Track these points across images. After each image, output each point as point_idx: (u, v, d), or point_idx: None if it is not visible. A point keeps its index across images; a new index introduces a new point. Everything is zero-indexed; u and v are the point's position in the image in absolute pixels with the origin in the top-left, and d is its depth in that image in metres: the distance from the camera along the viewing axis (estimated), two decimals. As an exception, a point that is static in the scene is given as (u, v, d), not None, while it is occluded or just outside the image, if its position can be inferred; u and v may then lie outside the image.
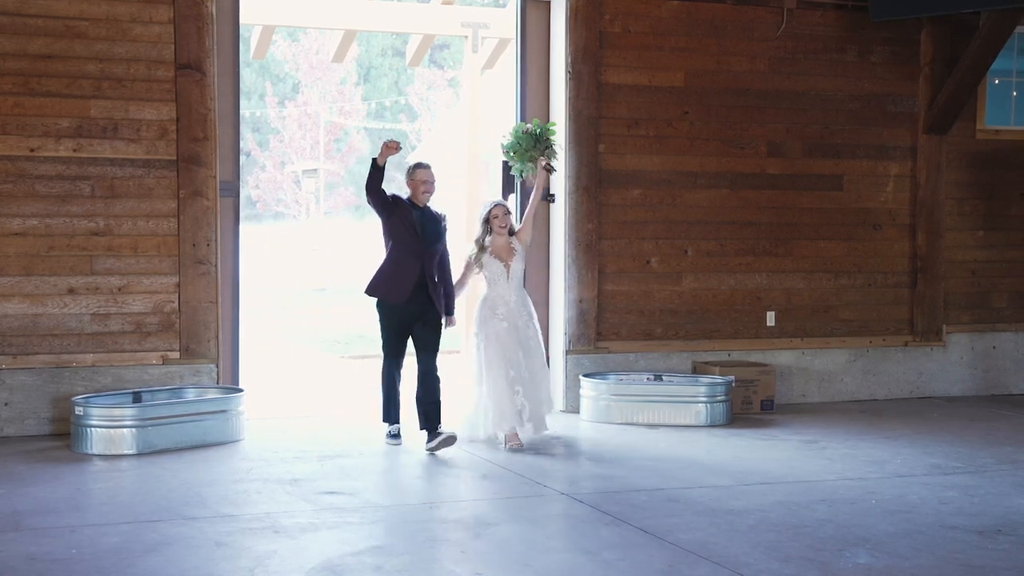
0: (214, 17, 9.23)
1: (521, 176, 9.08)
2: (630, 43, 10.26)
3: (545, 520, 6.77)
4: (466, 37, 13.32)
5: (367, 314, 19.79)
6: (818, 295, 10.87)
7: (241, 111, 9.94)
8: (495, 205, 8.86)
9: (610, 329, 10.31)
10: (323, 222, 33.16)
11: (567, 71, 10.05)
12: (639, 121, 10.30)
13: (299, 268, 27.08)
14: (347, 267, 29.29)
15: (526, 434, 8.71)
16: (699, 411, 9.59)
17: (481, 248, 8.80)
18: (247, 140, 37.33)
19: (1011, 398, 11.19)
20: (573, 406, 10.02)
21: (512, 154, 8.99)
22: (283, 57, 39.29)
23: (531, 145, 8.87)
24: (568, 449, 8.98)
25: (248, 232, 25.08)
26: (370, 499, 7.09)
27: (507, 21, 11.90)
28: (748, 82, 10.59)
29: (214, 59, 9.23)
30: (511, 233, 8.83)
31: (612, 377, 9.98)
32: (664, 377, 10.03)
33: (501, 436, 8.68)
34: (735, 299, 10.63)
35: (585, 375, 9.94)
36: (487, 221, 8.83)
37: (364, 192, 8.46)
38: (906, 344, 11.09)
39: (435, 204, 8.82)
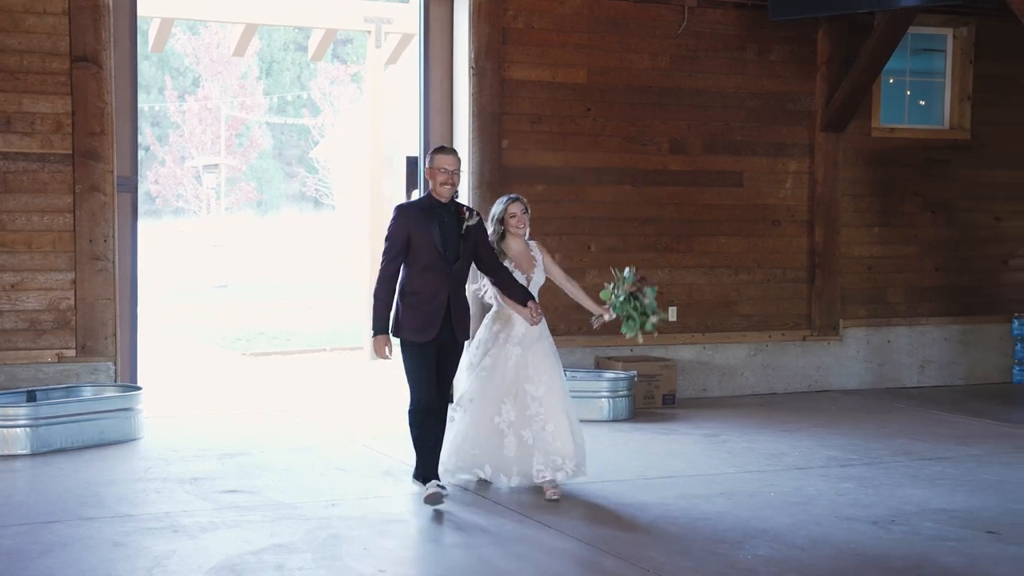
0: (110, 9, 9.05)
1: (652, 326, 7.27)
2: (533, 39, 10.29)
3: (449, 516, 6.75)
4: (369, 32, 13.27)
5: (269, 310, 19.49)
6: (719, 290, 11.00)
7: (139, 105, 9.77)
8: (511, 201, 7.31)
9: (514, 325, 10.30)
10: (224, 218, 32.77)
11: (470, 67, 10.05)
12: (542, 117, 10.33)
13: (200, 264, 26.73)
14: (249, 263, 28.97)
15: (531, 480, 7.16)
16: (602, 406, 9.65)
17: (500, 253, 7.25)
18: (146, 134, 36.73)
19: (905, 391, 11.44)
20: (477, 402, 10.01)
21: (630, 324, 7.23)
22: (183, 51, 38.74)
23: (635, 309, 7.17)
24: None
25: (147, 228, 24.73)
26: (271, 497, 7.01)
27: (410, 16, 11.87)
28: (650, 79, 10.68)
29: (111, 52, 9.05)
30: (528, 236, 7.38)
31: (516, 373, 9.97)
32: (568, 372, 10.05)
33: (474, 476, 7.32)
34: (637, 295, 10.69)
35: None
36: (501, 221, 7.29)
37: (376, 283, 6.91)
38: (804, 339, 11.28)
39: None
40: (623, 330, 7.17)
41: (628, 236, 10.67)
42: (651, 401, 10.21)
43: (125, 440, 8.53)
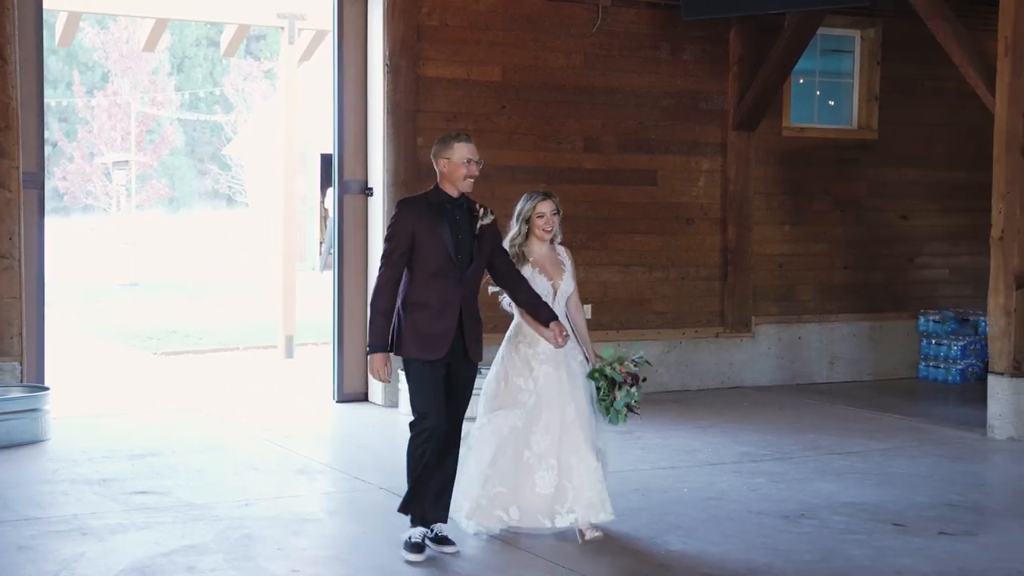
0: (15, 2, 8.86)
1: (614, 422, 6.29)
2: (448, 37, 10.27)
3: (363, 515, 6.73)
4: (282, 28, 13.16)
5: (181, 309, 19.23)
6: (633, 288, 11.08)
7: (46, 100, 9.58)
8: (542, 199, 6.33)
9: (429, 323, 10.28)
10: (135, 215, 32.28)
11: (385, 64, 10.00)
12: (457, 115, 10.32)
13: (109, 262, 26.32)
14: (160, 261, 28.56)
15: (559, 524, 6.19)
16: (517, 403, 9.63)
17: (521, 256, 6.32)
18: (53, 130, 36.04)
19: (815, 387, 11.61)
20: (392, 400, 9.98)
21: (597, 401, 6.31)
22: (91, 45, 38.07)
23: (610, 389, 6.22)
24: (387, 443, 8.94)
25: (55, 225, 24.27)
26: (183, 498, 6.92)
27: (324, 13, 11.79)
28: (565, 78, 10.72)
29: (15, 45, 8.86)
30: (552, 240, 6.43)
31: (431, 371, 9.94)
32: (483, 370, 10.02)
33: (492, 526, 6.21)
34: (552, 292, 10.73)
35: (403, 369, 9.88)
36: (527, 220, 6.33)
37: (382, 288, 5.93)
38: (717, 336, 11.40)
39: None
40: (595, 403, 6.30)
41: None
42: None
43: (32, 441, 8.36)
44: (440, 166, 5.90)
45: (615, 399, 6.15)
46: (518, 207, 6.36)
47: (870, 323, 12.07)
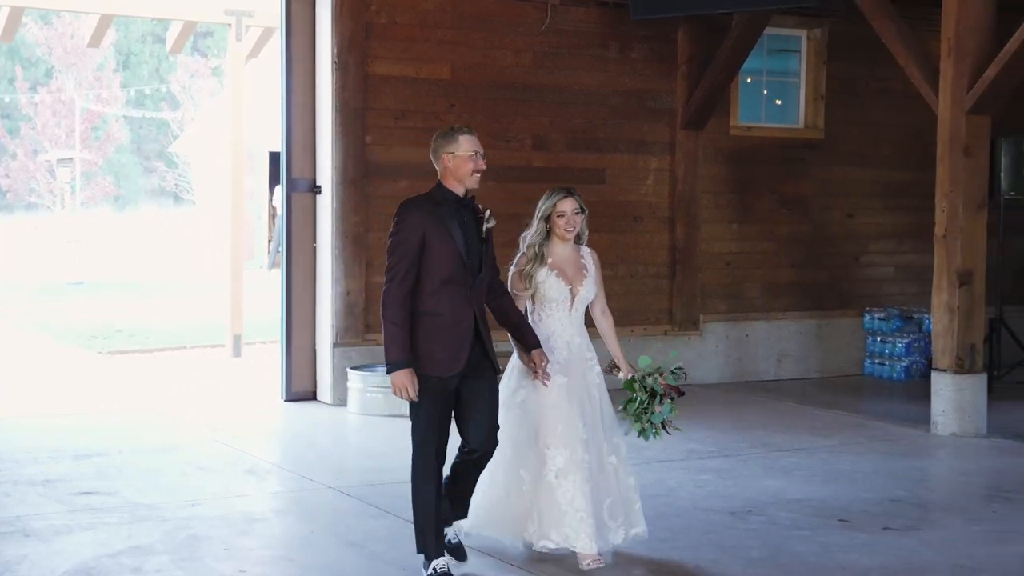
0: (-43, -4, 8.74)
1: (646, 438, 5.87)
2: (397, 35, 10.24)
3: (312, 514, 6.70)
4: (230, 25, 13.06)
5: (127, 307, 19.04)
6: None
7: (-12, 95, 9.44)
8: (563, 196, 5.88)
9: (378, 321, 10.23)
10: (80, 213, 31.94)
11: (333, 62, 9.95)
12: (406, 113, 10.29)
13: (54, 261, 26.02)
14: (106, 259, 28.27)
15: (613, 541, 5.80)
16: (467, 402, 9.63)
17: (539, 258, 5.87)
18: (-4, 127, 35.58)
19: (762, 384, 11.70)
20: (340, 399, 9.94)
21: (627, 412, 5.89)
22: (35, 40, 37.62)
23: (649, 402, 5.82)
24: (336, 442, 8.92)
25: (-2, 223, 23.94)
26: (129, 498, 6.86)
27: (272, 10, 11.71)
28: (514, 76, 10.72)
29: (-43, 40, 8.74)
30: (577, 240, 5.96)
31: (380, 369, 9.93)
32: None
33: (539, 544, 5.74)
34: (502, 290, 10.73)
35: (353, 367, 9.88)
36: (547, 219, 5.87)
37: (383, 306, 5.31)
38: (665, 333, 11.45)
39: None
40: (619, 408, 5.92)
41: (493, 232, 10.67)
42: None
43: (-26, 442, 8.26)
44: (444, 162, 5.44)
45: (653, 413, 5.74)
46: (540, 205, 5.89)
47: (817, 321, 12.18)
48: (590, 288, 5.94)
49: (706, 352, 11.63)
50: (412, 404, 5.32)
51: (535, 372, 5.64)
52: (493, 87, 10.62)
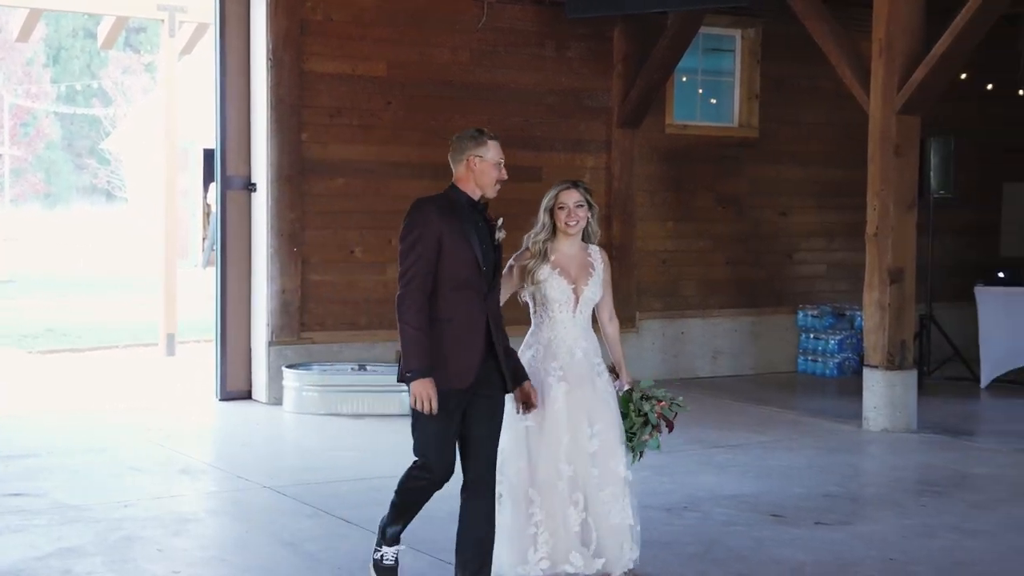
0: None
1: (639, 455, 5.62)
2: (332, 32, 10.18)
3: (246, 514, 6.65)
4: (163, 21, 12.92)
5: (58, 306, 18.75)
6: (518, 284, 11.09)
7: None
8: (567, 187, 5.49)
9: (314, 320, 10.22)
10: (9, 210, 31.45)
11: (268, 59, 9.88)
12: (342, 110, 10.24)
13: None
14: (36, 257, 27.86)
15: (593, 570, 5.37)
16: (403, 400, 9.46)
17: (543, 254, 5.48)
18: (-77, 122, 34.90)
19: (698, 381, 11.77)
20: (276, 398, 9.88)
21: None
22: (-37, 35, 36.96)
23: (641, 426, 5.54)
24: (271, 442, 8.86)
25: (-75, 221, 23.47)
26: (59, 500, 6.76)
27: (205, 5, 11.60)
28: (450, 74, 10.71)
29: None
30: (587, 239, 5.55)
31: (316, 368, 9.90)
32: (368, 367, 10.02)
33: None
34: (438, 288, 10.71)
35: (288, 366, 9.81)
36: (551, 213, 5.49)
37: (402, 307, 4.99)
38: (602, 331, 11.48)
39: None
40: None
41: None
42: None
43: (-100, 444, 8.10)
44: (470, 164, 5.11)
45: (640, 441, 5.47)
46: (544, 199, 5.52)
47: (751, 318, 12.29)
48: (596, 289, 5.48)
49: (642, 349, 11.69)
50: (417, 420, 4.99)
51: (516, 406, 5.21)
52: (430, 84, 10.60)
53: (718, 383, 11.66)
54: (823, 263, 12.74)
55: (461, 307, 4.97)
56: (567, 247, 5.46)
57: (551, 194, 5.47)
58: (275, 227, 9.97)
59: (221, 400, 10.07)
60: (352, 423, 9.29)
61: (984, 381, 11.28)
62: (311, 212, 10.14)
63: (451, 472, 5.04)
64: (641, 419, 5.47)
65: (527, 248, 5.49)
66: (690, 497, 7.07)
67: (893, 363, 9.15)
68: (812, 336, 12.25)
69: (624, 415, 5.47)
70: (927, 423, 9.29)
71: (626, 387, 5.52)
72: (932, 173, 11.17)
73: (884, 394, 9.16)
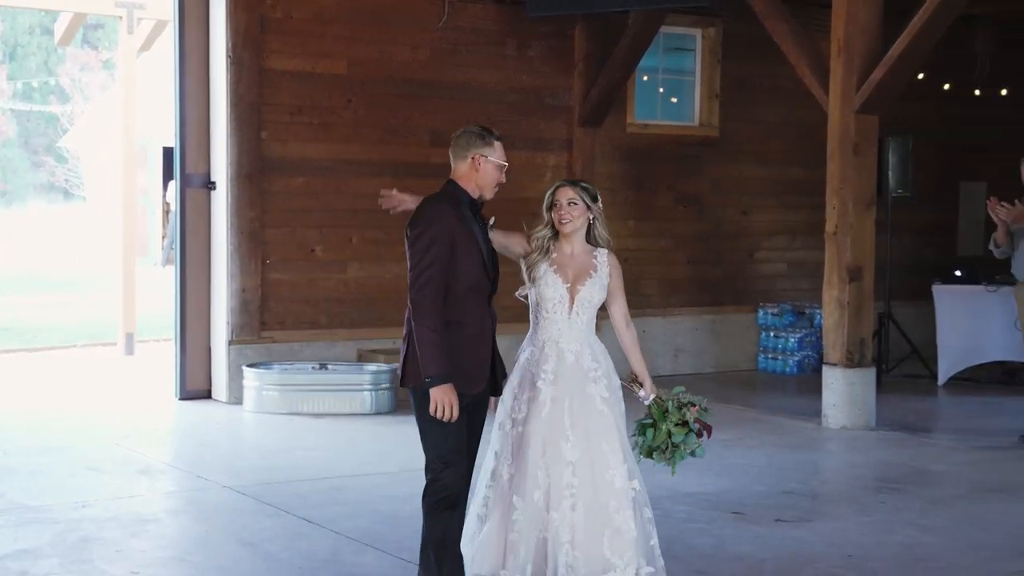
0: None
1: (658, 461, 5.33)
2: (292, 29, 10.14)
3: (206, 514, 6.61)
4: (121, 17, 12.84)
5: (14, 305, 18.55)
6: (480, 283, 11.08)
7: None
8: (561, 185, 5.29)
9: (274, 318, 10.17)
10: (-35, 209, 31.12)
11: (228, 56, 9.82)
12: (302, 108, 10.20)
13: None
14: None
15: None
16: (364, 399, 9.61)
17: (544, 251, 5.26)
18: None
19: (659, 379, 11.55)
20: (236, 397, 9.82)
21: (643, 436, 5.27)
22: (-83, 31, 36.56)
23: (676, 435, 5.23)
24: (231, 441, 8.81)
25: None
26: (16, 500, 6.70)
27: (164, 2, 11.52)
28: (411, 72, 10.68)
29: None
30: (593, 242, 5.32)
31: (276, 367, 9.85)
32: (329, 366, 9.99)
33: None
34: (400, 287, 10.58)
35: (248, 365, 9.76)
36: (550, 211, 5.26)
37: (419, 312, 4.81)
38: (563, 329, 11.48)
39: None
40: (636, 432, 5.27)
41: (390, 228, 10.63)
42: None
43: None
44: (474, 164, 4.97)
45: (678, 448, 5.19)
46: (547, 196, 5.31)
47: (712, 316, 12.34)
48: (594, 291, 5.22)
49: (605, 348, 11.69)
50: (428, 425, 4.79)
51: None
52: (390, 82, 10.58)
53: (679, 381, 11.55)
54: (784, 262, 12.81)
55: (475, 310, 4.91)
56: (567, 247, 5.23)
57: (549, 191, 5.27)
58: (235, 225, 9.91)
59: (181, 399, 10.00)
60: (313, 422, 9.26)
61: (941, 379, 11.37)
62: (271, 210, 10.10)
63: (469, 479, 4.92)
64: (682, 428, 5.18)
65: (536, 236, 5.27)
66: (651, 495, 7.05)
67: (852, 361, 9.22)
68: (772, 334, 12.32)
69: (651, 425, 5.19)
70: (885, 420, 9.36)
71: (652, 396, 5.24)
72: (890, 172, 11.26)
73: (843, 392, 9.22)
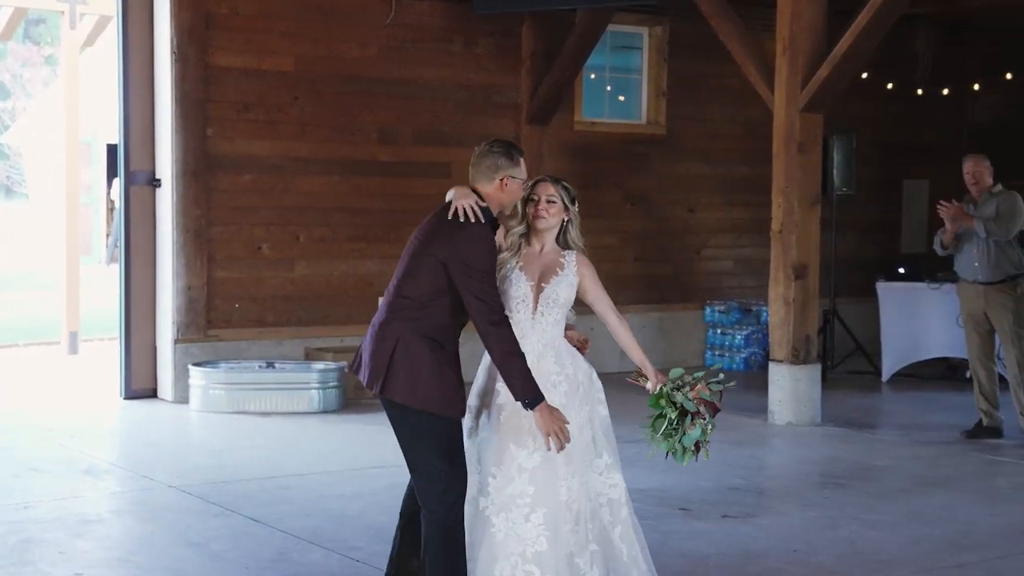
0: None
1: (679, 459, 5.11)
2: (238, 25, 10.07)
3: (152, 514, 6.56)
4: (63, 12, 12.69)
5: (-44, 305, 18.17)
6: (428, 280, 11.06)
7: None
8: (542, 179, 5.06)
9: (220, 317, 10.10)
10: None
11: (172, 52, 9.73)
12: (249, 105, 10.13)
13: None
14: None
15: None
16: (312, 397, 9.56)
17: (516, 249, 5.00)
18: None
19: (607, 377, 11.64)
20: (182, 396, 9.74)
21: (654, 431, 5.15)
22: None
23: (680, 420, 5.08)
24: (177, 440, 8.74)
25: None
26: (-43, 502, 6.61)
27: (108, -3, 11.40)
28: (359, 69, 10.64)
29: None
30: (561, 241, 5.09)
31: (223, 365, 9.78)
32: (276, 364, 9.93)
33: None
34: (347, 285, 10.68)
35: (194, 364, 9.69)
36: (525, 205, 5.01)
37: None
38: (511, 327, 11.49)
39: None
40: (643, 426, 5.16)
41: (338, 227, 10.61)
42: (362, 392, 10.18)
43: None
44: (502, 184, 4.82)
45: (684, 433, 4.98)
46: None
47: (660, 313, 12.39)
48: (560, 288, 4.96)
49: (551, 345, 11.72)
50: (444, 442, 4.63)
51: None
52: (338, 80, 10.53)
53: (626, 379, 11.71)
54: (730, 259, 12.89)
55: (456, 329, 4.80)
56: (537, 244, 4.98)
57: (528, 183, 4.95)
58: (180, 223, 9.83)
59: (126, 399, 9.91)
60: (260, 421, 9.20)
61: (885, 375, 11.50)
62: (217, 208, 10.03)
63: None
64: (676, 411, 5.00)
65: (510, 232, 5.00)
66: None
67: (798, 358, 9.30)
68: (719, 331, 12.40)
69: (660, 416, 5.05)
70: (830, 416, 9.45)
71: (658, 387, 5.07)
72: (835, 171, 11.37)
73: (789, 388, 9.30)
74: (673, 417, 4.99)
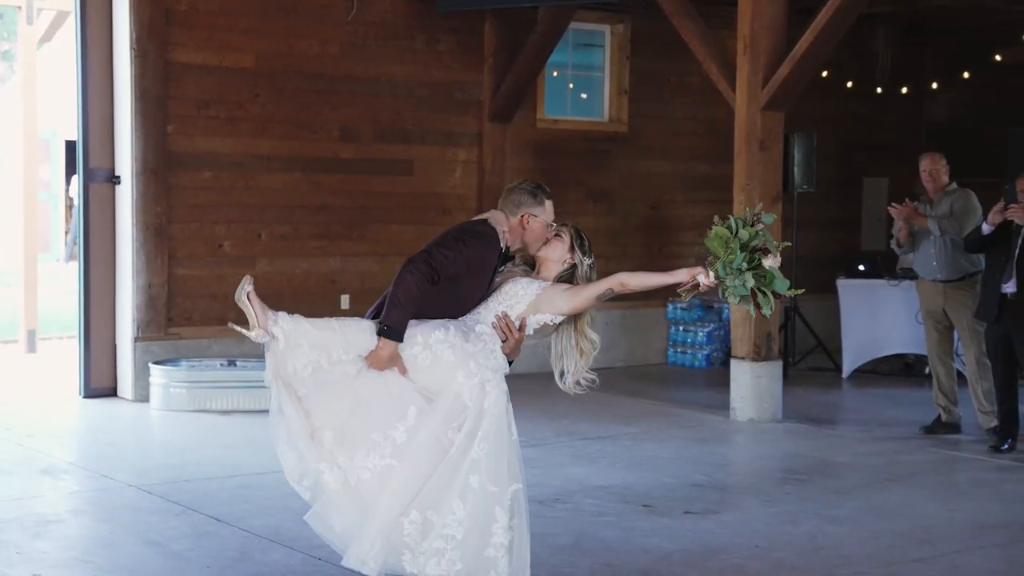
0: None
1: (751, 308, 4.90)
2: (199, 22, 10.00)
3: (111, 514, 6.50)
4: (20, 7, 12.56)
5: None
6: (391, 278, 10.88)
7: None
8: (563, 224, 5.35)
9: (181, 315, 10.04)
10: None
11: (132, 49, 9.66)
12: (210, 102, 10.07)
13: None
14: None
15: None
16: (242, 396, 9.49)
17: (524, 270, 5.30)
18: None
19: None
20: (142, 395, 9.67)
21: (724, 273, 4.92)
22: None
23: (742, 261, 4.90)
24: (137, 439, 8.68)
25: None
26: (-87, 503, 6.53)
27: (66, -8, 11.31)
28: (320, 66, 10.60)
29: None
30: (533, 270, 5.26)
31: (184, 363, 9.72)
32: (238, 362, 9.88)
33: None
34: (309, 283, 10.64)
35: (155, 362, 9.62)
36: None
37: None
38: (474, 325, 11.49)
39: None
40: (727, 297, 4.87)
41: (299, 224, 10.57)
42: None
43: None
44: (523, 222, 5.03)
45: (759, 264, 4.74)
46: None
47: (622, 311, 12.41)
48: (508, 285, 5.14)
49: (528, 342, 11.71)
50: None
51: None
52: (299, 77, 10.48)
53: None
54: (692, 256, 12.90)
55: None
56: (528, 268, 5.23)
57: (552, 226, 5.17)
58: (140, 220, 9.76)
59: (85, 397, 9.83)
60: (221, 419, 9.15)
61: (846, 371, 11.59)
62: (177, 205, 9.96)
63: None
64: (742, 249, 4.77)
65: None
66: (561, 489, 7.12)
67: (759, 355, 9.35)
68: (682, 328, 12.45)
69: (724, 255, 4.87)
70: (792, 413, 9.51)
71: (702, 281, 4.92)
72: (796, 168, 11.44)
73: (750, 385, 9.35)
74: (737, 255, 4.79)
